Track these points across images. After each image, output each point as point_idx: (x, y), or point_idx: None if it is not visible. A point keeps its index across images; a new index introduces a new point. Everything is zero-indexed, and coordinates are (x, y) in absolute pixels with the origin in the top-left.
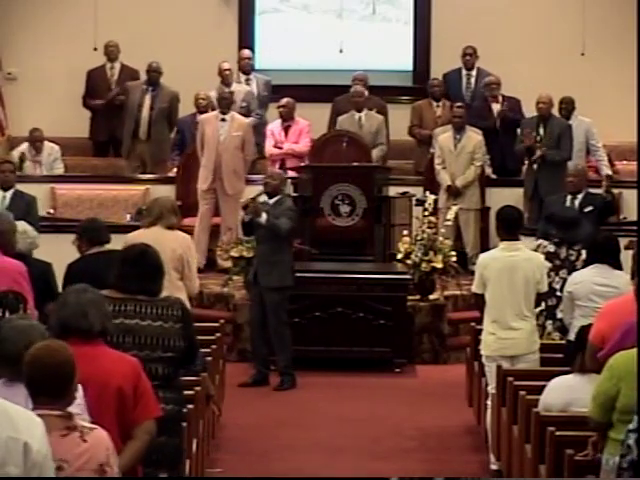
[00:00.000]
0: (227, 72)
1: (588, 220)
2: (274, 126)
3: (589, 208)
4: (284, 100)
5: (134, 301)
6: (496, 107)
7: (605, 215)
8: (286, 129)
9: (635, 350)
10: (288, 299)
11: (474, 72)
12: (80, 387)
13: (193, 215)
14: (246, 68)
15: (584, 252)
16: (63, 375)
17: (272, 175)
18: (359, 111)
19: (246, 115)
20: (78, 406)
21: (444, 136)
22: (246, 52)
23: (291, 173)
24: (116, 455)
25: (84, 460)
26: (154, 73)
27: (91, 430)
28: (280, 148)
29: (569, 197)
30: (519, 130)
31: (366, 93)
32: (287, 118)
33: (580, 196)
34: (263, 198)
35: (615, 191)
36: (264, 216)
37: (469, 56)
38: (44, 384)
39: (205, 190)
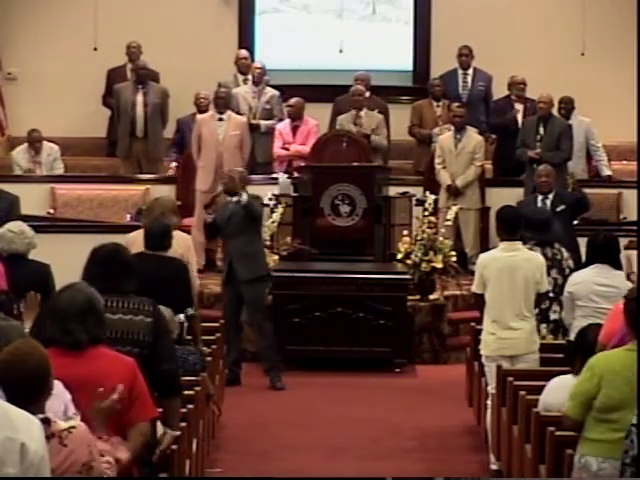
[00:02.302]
0: (258, 71)
1: (560, 219)
2: (282, 126)
3: (561, 207)
4: (293, 100)
5: (106, 295)
6: (519, 107)
7: (578, 212)
8: (294, 129)
9: (616, 351)
10: (266, 293)
11: (470, 72)
12: (59, 383)
13: (193, 215)
14: (243, 68)
15: (564, 250)
16: (36, 378)
17: (227, 174)
18: (359, 110)
19: (269, 118)
20: (67, 401)
21: (445, 136)
22: (242, 52)
23: (297, 174)
24: (101, 445)
25: (67, 465)
26: (143, 70)
27: (69, 432)
28: (288, 149)
29: (540, 197)
30: (520, 132)
31: (367, 94)
32: (295, 118)
33: (551, 196)
34: (227, 198)
35: (615, 191)
36: (244, 196)
37: (465, 56)
38: (18, 389)
39: (206, 191)
